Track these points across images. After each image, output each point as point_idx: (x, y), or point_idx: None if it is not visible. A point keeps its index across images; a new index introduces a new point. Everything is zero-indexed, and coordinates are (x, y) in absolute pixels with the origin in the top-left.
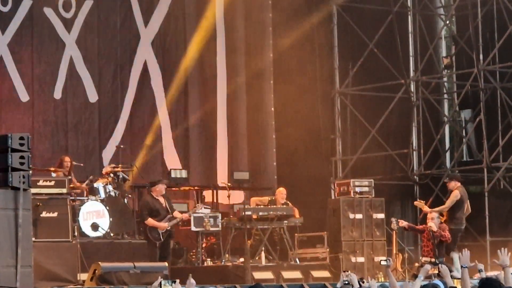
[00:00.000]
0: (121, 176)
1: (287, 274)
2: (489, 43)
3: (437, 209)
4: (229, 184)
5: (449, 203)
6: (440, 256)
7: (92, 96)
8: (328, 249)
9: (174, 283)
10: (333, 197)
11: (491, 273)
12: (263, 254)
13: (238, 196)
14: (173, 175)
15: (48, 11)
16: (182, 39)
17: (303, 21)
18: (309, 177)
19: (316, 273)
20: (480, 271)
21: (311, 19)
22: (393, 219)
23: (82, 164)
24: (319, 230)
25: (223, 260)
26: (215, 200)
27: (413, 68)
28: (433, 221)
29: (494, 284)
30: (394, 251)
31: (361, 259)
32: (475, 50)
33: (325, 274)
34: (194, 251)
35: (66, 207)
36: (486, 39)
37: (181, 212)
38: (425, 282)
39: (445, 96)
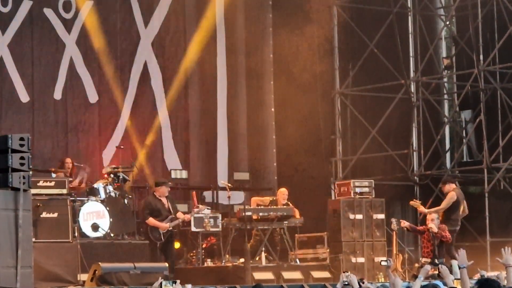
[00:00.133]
0: (121, 177)
1: (287, 275)
2: (489, 43)
3: (433, 210)
4: (229, 184)
5: (444, 204)
6: (440, 256)
7: (92, 96)
8: (328, 250)
9: (175, 283)
10: (333, 198)
11: (492, 274)
12: (263, 255)
13: (238, 197)
14: (173, 175)
15: (48, 12)
16: (182, 39)
17: (303, 21)
18: (309, 178)
19: (316, 274)
20: (482, 276)
21: (311, 19)
22: (393, 220)
23: (82, 165)
24: (319, 230)
25: (223, 261)
26: (215, 201)
27: (413, 68)
28: (433, 222)
29: (493, 285)
30: (394, 252)
31: (361, 260)
32: (475, 50)
33: (325, 274)
34: (194, 251)
35: (66, 207)
36: (486, 39)
37: (183, 213)
38: (425, 283)
39: (445, 96)
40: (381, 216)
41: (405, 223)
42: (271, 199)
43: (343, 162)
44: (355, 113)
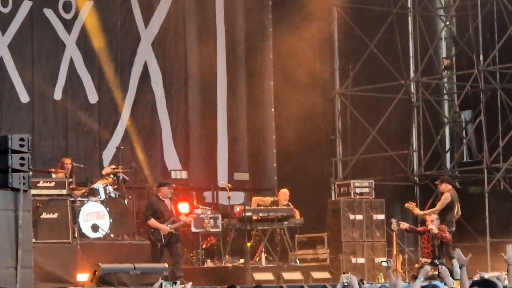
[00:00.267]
0: (121, 177)
1: (287, 275)
2: (489, 44)
3: (428, 211)
4: (229, 185)
5: (439, 205)
6: (440, 257)
7: (92, 97)
8: (328, 250)
9: (175, 284)
10: (333, 198)
11: (492, 274)
12: (263, 255)
13: (238, 197)
14: (173, 176)
15: (48, 12)
16: (182, 39)
17: (303, 22)
18: (309, 178)
19: (316, 274)
20: (481, 277)
21: (311, 20)
22: (393, 220)
23: (82, 165)
24: (319, 231)
25: (223, 261)
26: (215, 201)
27: (413, 69)
28: (433, 223)
29: (493, 285)
30: (394, 252)
31: (361, 260)
32: (475, 51)
33: (325, 275)
34: (194, 252)
35: (66, 208)
36: (486, 40)
37: (185, 214)
38: (425, 283)
39: (445, 97)
40: (381, 216)
41: (404, 225)
42: (272, 199)
43: (343, 162)
44: (355, 113)
